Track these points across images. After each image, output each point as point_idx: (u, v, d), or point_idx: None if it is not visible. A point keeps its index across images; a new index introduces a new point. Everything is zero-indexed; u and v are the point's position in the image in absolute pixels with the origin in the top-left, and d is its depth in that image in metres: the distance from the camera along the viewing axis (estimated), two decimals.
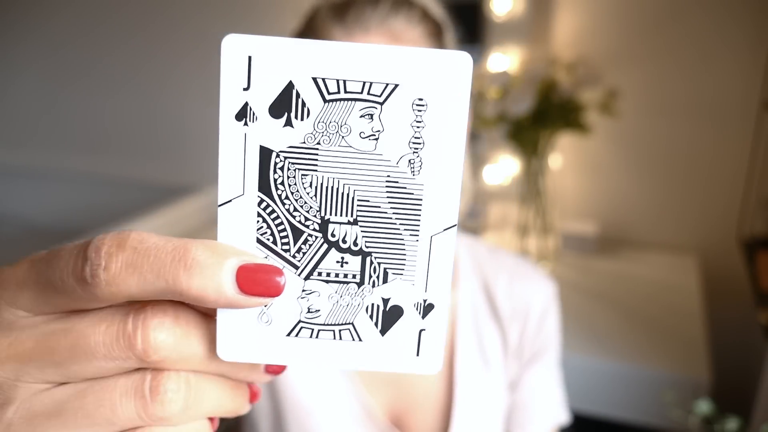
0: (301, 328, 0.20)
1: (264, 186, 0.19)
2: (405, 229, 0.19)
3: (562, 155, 1.48)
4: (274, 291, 0.18)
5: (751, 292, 1.19)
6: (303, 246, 0.19)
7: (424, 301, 0.19)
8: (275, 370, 0.21)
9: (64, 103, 2.06)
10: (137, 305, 0.18)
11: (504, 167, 1.51)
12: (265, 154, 0.18)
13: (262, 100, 0.18)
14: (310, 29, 0.53)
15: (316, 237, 0.19)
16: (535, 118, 1.23)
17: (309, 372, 0.59)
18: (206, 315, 0.20)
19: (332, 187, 0.19)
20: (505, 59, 1.42)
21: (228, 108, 0.18)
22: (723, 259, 1.41)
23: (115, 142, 2.02)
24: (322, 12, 0.52)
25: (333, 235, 0.19)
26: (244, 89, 0.18)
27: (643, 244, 1.49)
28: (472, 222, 1.49)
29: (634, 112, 1.39)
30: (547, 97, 1.22)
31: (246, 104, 0.18)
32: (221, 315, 0.19)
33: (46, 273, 0.18)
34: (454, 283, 0.62)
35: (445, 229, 0.19)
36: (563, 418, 0.65)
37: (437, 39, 0.52)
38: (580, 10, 1.39)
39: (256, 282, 0.18)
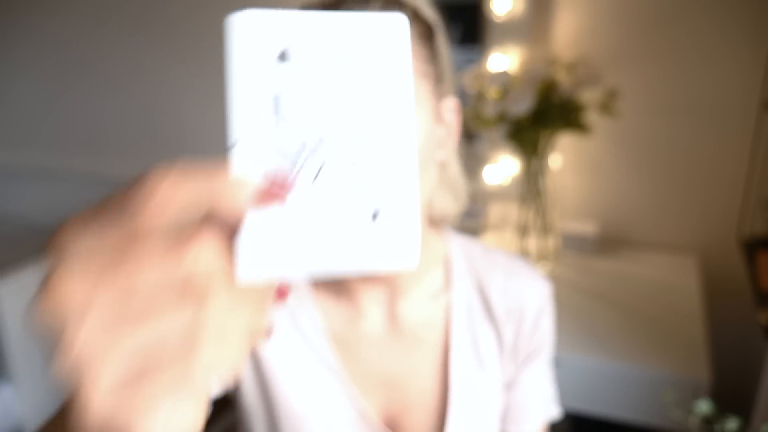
0: (301, 230, 0.24)
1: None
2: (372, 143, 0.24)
3: (562, 155, 1.49)
4: (281, 200, 0.24)
5: (751, 292, 1.19)
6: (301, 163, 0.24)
7: (397, 202, 0.24)
8: (282, 292, 0.26)
9: (64, 103, 2.06)
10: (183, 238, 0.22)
11: (504, 167, 1.51)
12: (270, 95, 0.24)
13: (263, 55, 0.24)
14: None
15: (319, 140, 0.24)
16: (535, 118, 1.23)
17: (302, 378, 0.59)
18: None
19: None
20: (505, 59, 1.42)
21: (240, 57, 0.23)
22: (723, 259, 1.41)
23: (115, 142, 2.02)
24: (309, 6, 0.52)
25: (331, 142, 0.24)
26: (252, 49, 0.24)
27: (643, 244, 1.49)
28: (472, 222, 1.49)
29: (634, 112, 1.39)
30: (547, 97, 1.22)
31: (252, 59, 0.24)
32: (242, 237, 0.23)
33: (109, 209, 0.22)
34: (449, 283, 0.62)
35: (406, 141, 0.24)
36: (554, 412, 0.67)
37: (428, 40, 0.52)
38: (580, 10, 1.39)
39: (266, 195, 0.23)
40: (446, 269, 0.63)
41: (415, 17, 0.52)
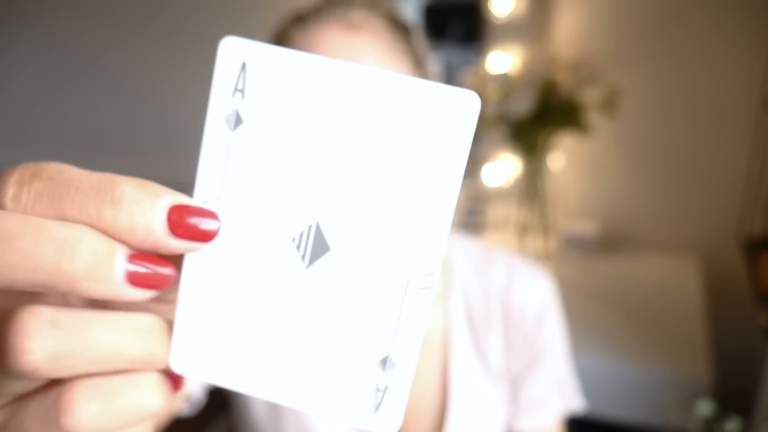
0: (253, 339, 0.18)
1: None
2: (380, 270, 0.17)
3: (563, 155, 1.48)
4: (207, 236, 0.17)
5: (751, 293, 1.19)
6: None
7: (388, 355, 0.18)
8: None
9: (62, 101, 2.05)
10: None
11: (504, 167, 1.51)
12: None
13: (252, 107, 0.17)
14: (275, 35, 0.54)
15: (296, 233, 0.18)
16: (535, 118, 1.23)
17: None
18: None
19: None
20: (505, 59, 1.42)
21: (217, 110, 0.18)
22: (723, 259, 1.41)
23: (114, 141, 2.02)
24: (286, 20, 0.54)
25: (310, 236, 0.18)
26: (236, 93, 0.17)
27: (643, 244, 1.49)
28: (472, 222, 1.48)
29: (634, 112, 1.39)
30: (547, 97, 1.22)
31: (236, 110, 0.18)
32: (179, 325, 0.18)
33: None
34: (450, 286, 0.62)
35: (424, 276, 0.17)
36: (574, 403, 0.64)
37: (403, 34, 0.52)
38: (580, 10, 1.39)
39: (188, 224, 0.16)
40: (446, 271, 0.62)
41: (387, 13, 0.52)
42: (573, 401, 0.64)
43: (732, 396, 1.17)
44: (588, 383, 1.07)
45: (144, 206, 0.16)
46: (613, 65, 1.38)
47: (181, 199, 0.16)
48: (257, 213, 0.18)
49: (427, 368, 0.60)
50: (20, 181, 0.16)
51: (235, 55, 0.17)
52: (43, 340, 0.14)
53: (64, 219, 0.15)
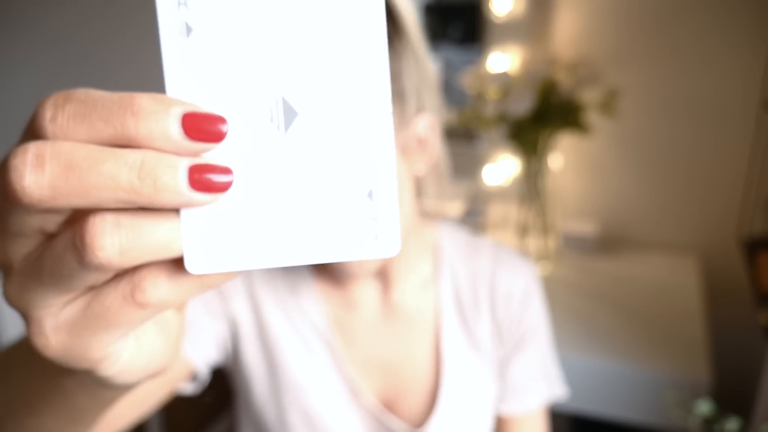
0: (256, 213, 0.20)
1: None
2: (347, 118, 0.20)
3: (562, 155, 1.48)
4: (218, 137, 0.19)
5: (751, 293, 1.19)
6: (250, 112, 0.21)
7: (372, 187, 0.20)
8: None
9: None
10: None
11: (504, 167, 1.51)
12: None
13: (197, 14, 0.19)
14: None
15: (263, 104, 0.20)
16: (535, 118, 1.23)
17: (301, 349, 0.61)
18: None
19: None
20: (505, 59, 1.42)
21: (166, 26, 0.19)
22: (723, 259, 1.41)
23: None
24: None
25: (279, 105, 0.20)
26: (180, 6, 0.19)
27: (643, 244, 1.49)
28: (472, 222, 1.49)
29: (634, 113, 1.39)
30: (547, 97, 1.22)
31: (184, 21, 0.19)
32: (185, 221, 0.20)
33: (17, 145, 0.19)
34: (438, 271, 0.64)
35: (380, 110, 0.20)
36: (559, 391, 0.67)
37: (392, 39, 0.54)
38: (580, 10, 1.39)
39: (201, 128, 0.18)
40: (435, 257, 0.65)
41: (389, 8, 0.53)
42: (557, 388, 0.67)
43: (731, 396, 1.17)
44: (587, 383, 1.07)
45: (160, 115, 0.18)
46: (612, 65, 1.38)
47: (191, 107, 0.19)
48: (229, 104, 0.20)
49: (420, 347, 0.63)
50: (55, 104, 0.18)
51: None
52: (112, 238, 0.18)
53: (95, 132, 0.18)
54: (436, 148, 0.57)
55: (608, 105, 1.27)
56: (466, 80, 1.31)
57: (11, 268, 0.20)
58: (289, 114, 0.20)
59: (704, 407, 0.71)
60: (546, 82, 1.22)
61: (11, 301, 0.20)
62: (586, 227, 1.45)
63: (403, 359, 0.62)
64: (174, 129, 0.18)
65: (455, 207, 1.46)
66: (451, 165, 0.65)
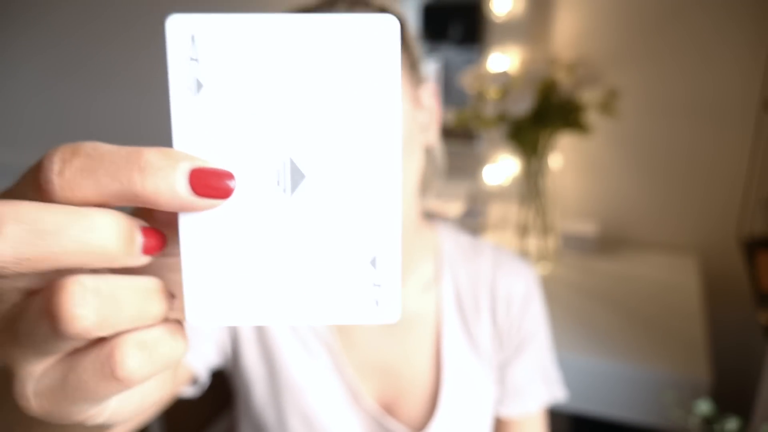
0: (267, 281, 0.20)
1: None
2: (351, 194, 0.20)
3: (562, 155, 1.48)
4: (225, 193, 0.19)
5: (751, 293, 1.19)
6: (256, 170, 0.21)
7: (375, 255, 0.20)
8: (152, 247, 0.20)
9: (64, 102, 2.06)
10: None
11: (504, 167, 1.51)
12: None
13: (208, 71, 0.19)
14: None
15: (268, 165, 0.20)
16: (535, 118, 1.23)
17: (301, 351, 0.61)
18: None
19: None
20: (505, 59, 1.42)
21: (177, 81, 0.20)
22: (723, 259, 1.41)
23: (115, 141, 2.02)
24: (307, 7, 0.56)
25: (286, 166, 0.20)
26: (191, 62, 0.19)
27: (643, 244, 1.49)
28: (472, 222, 1.49)
29: (634, 113, 1.39)
30: (547, 97, 1.22)
31: (195, 77, 0.19)
32: (187, 279, 0.20)
33: (10, 194, 0.19)
34: (439, 274, 0.65)
35: (387, 179, 0.20)
36: (558, 393, 0.67)
37: (402, 37, 0.56)
38: (580, 10, 1.39)
39: (208, 184, 0.19)
40: (437, 260, 0.65)
41: (383, 11, 0.55)
42: (556, 391, 0.67)
43: (731, 395, 1.17)
44: (587, 383, 1.07)
45: (167, 171, 0.18)
46: (612, 65, 1.38)
47: (199, 162, 0.19)
48: (236, 163, 0.20)
49: (420, 350, 0.63)
50: (63, 158, 0.18)
51: (183, 28, 0.20)
52: (88, 308, 0.17)
53: (101, 187, 0.18)
54: (439, 112, 0.60)
55: (608, 105, 1.27)
56: (466, 80, 1.31)
57: None
58: (297, 176, 0.20)
59: (704, 407, 0.71)
60: (546, 82, 1.23)
61: None
62: (585, 227, 1.45)
63: (403, 362, 0.62)
64: (181, 185, 0.18)
65: (455, 207, 1.46)
66: (451, 165, 0.66)
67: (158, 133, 1.95)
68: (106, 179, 0.18)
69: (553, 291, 1.24)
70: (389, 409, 0.62)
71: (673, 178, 1.43)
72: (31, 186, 0.18)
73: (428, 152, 0.62)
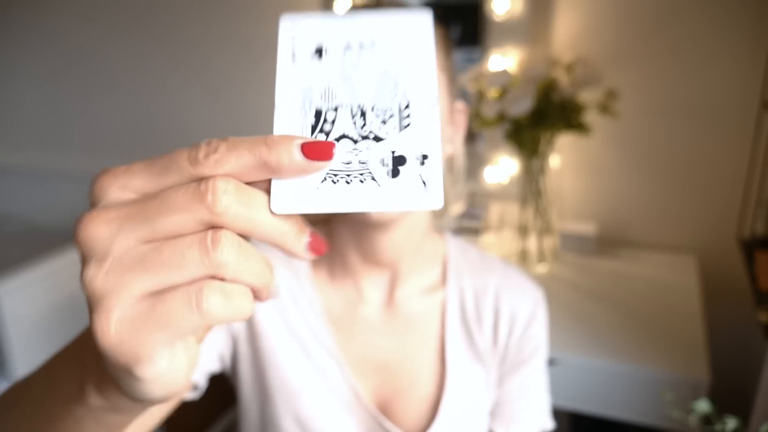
0: (330, 178, 0.25)
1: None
2: (401, 108, 0.27)
3: (561, 155, 1.49)
4: (329, 156, 0.25)
5: (750, 292, 1.19)
6: (333, 122, 0.27)
7: (421, 153, 0.26)
8: (315, 247, 0.26)
9: (65, 102, 2.06)
10: (209, 176, 0.23)
11: (504, 167, 1.51)
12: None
13: (303, 50, 0.28)
14: None
15: (342, 117, 0.27)
16: (535, 118, 1.23)
17: (298, 354, 0.61)
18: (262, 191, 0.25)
19: (350, 91, 0.27)
20: (504, 59, 1.42)
21: (284, 53, 0.28)
22: (722, 259, 1.41)
23: (116, 142, 2.02)
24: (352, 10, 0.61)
25: (353, 115, 0.27)
26: (293, 41, 0.28)
27: (642, 244, 1.50)
28: (473, 222, 1.49)
29: (633, 113, 1.40)
30: (547, 98, 1.23)
31: (293, 52, 0.28)
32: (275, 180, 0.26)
33: (161, 162, 0.24)
34: (445, 280, 0.65)
35: (429, 105, 0.27)
36: (548, 425, 0.67)
37: (447, 50, 0.63)
38: (580, 10, 1.40)
39: (316, 152, 0.24)
40: (444, 267, 0.66)
41: (436, 24, 0.59)
42: (547, 421, 0.67)
43: (730, 395, 1.17)
44: (587, 383, 1.07)
45: (287, 145, 0.24)
46: (612, 65, 1.38)
47: (308, 138, 0.25)
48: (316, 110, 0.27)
49: (421, 353, 0.63)
50: (216, 142, 0.24)
51: (290, 21, 0.28)
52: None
53: (242, 159, 0.24)
54: (465, 128, 0.65)
55: (607, 105, 1.27)
56: (466, 80, 1.31)
57: (107, 256, 0.23)
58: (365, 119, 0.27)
59: (703, 407, 0.71)
60: (546, 82, 1.23)
61: (92, 286, 0.23)
62: (585, 227, 1.46)
63: (403, 361, 0.62)
64: (296, 153, 0.24)
65: (455, 207, 1.46)
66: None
67: (159, 134, 1.95)
68: (244, 152, 0.23)
69: (552, 291, 1.24)
70: (385, 408, 0.62)
71: (672, 178, 1.43)
72: (189, 159, 0.24)
73: (449, 162, 0.65)
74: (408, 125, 0.26)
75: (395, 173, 0.26)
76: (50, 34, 2.00)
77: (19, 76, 2.10)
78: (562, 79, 1.25)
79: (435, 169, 0.26)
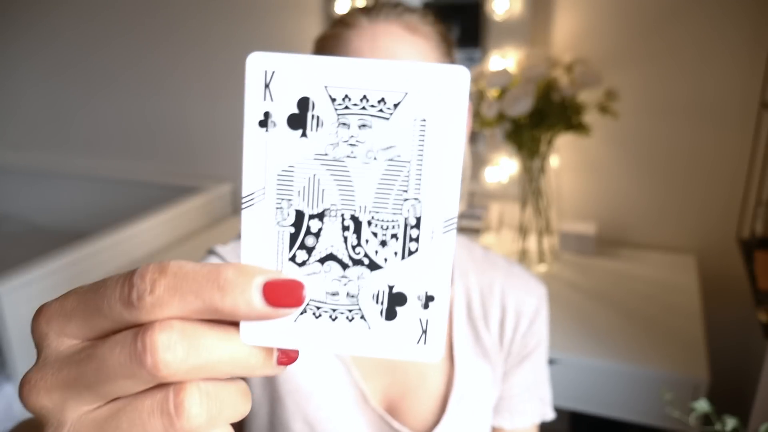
0: (311, 310, 0.21)
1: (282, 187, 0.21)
2: (409, 226, 0.21)
3: (561, 155, 1.49)
4: (297, 302, 0.20)
5: (750, 292, 1.19)
6: (317, 235, 0.21)
7: (426, 292, 0.21)
8: (286, 361, 0.22)
9: (65, 103, 2.06)
10: (146, 325, 0.20)
11: (504, 167, 1.51)
12: (284, 163, 0.20)
13: (280, 111, 0.20)
14: (341, 22, 0.59)
15: (329, 229, 0.21)
16: (534, 118, 1.23)
17: (307, 357, 0.61)
18: (214, 323, 0.21)
19: (343, 191, 0.21)
20: (504, 59, 1.42)
21: (251, 117, 0.20)
22: (722, 259, 1.41)
23: (116, 142, 2.02)
24: (352, 10, 0.60)
25: (345, 228, 0.21)
26: (264, 101, 0.20)
27: (642, 244, 1.50)
28: (473, 222, 1.49)
29: (633, 113, 1.40)
30: (547, 98, 1.23)
31: (267, 113, 0.20)
32: None
33: (94, 301, 0.20)
34: (452, 279, 0.66)
35: (444, 226, 0.21)
36: (549, 415, 0.68)
37: (447, 43, 0.62)
38: (580, 10, 1.40)
39: (281, 296, 0.20)
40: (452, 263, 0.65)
41: (436, 21, 0.62)
42: (548, 411, 0.68)
43: (730, 395, 1.17)
44: (587, 383, 1.07)
45: (243, 287, 0.20)
46: (611, 65, 1.38)
47: (272, 275, 0.20)
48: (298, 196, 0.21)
49: None
50: (152, 278, 0.19)
51: (261, 67, 0.20)
52: (204, 407, 0.20)
53: (186, 304, 0.20)
54: (470, 129, 0.64)
55: (607, 105, 1.27)
56: None
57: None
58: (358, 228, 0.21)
59: (702, 406, 0.71)
60: (545, 82, 1.23)
61: (36, 402, 0.21)
62: (585, 227, 1.46)
63: (410, 363, 0.62)
64: (257, 300, 0.20)
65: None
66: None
67: (159, 133, 1.95)
68: (191, 297, 0.19)
69: (552, 291, 1.24)
70: (394, 409, 0.62)
71: (672, 178, 1.43)
72: (121, 300, 0.20)
73: None
74: (415, 251, 0.21)
75: (390, 315, 0.21)
76: (50, 34, 2.00)
77: (19, 75, 2.10)
78: (562, 79, 1.25)
79: (440, 315, 0.21)
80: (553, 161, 1.46)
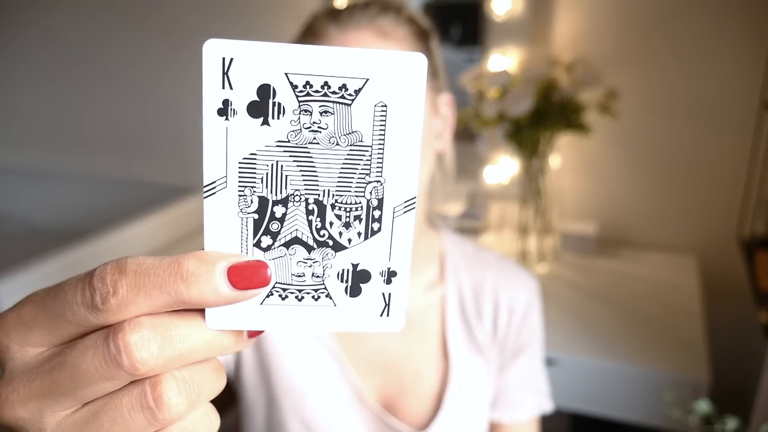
0: (277, 292, 0.22)
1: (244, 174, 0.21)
2: (371, 208, 0.21)
3: (561, 155, 1.49)
4: (263, 282, 0.20)
5: (750, 292, 1.19)
6: (281, 220, 0.21)
7: (388, 268, 0.22)
8: (256, 332, 0.22)
9: (64, 102, 2.06)
10: (116, 326, 0.19)
11: (504, 167, 1.51)
12: (245, 149, 0.21)
13: (240, 99, 0.20)
14: (309, 32, 0.57)
15: (293, 214, 0.21)
16: (534, 118, 1.23)
17: (302, 356, 0.61)
18: (182, 311, 0.21)
19: (306, 176, 0.21)
20: (504, 59, 1.42)
21: (210, 105, 0.20)
22: (723, 259, 1.41)
23: (115, 141, 2.02)
24: (320, 16, 0.57)
25: (310, 212, 0.21)
26: (223, 89, 0.20)
27: (642, 244, 1.49)
28: (473, 222, 1.49)
29: (633, 112, 1.39)
30: (547, 98, 1.22)
31: (227, 101, 0.20)
32: None
33: (54, 308, 0.20)
34: (443, 276, 0.66)
35: (405, 205, 0.21)
36: (547, 406, 0.69)
37: (423, 40, 0.59)
38: (580, 10, 1.40)
39: (246, 278, 0.20)
40: (441, 263, 0.67)
41: (410, 19, 0.58)
42: (545, 402, 0.69)
43: (730, 395, 1.17)
44: (587, 383, 1.07)
45: (208, 276, 0.19)
46: (612, 65, 1.38)
47: (233, 258, 0.20)
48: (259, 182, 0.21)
49: (423, 349, 0.64)
50: (112, 279, 0.19)
51: (218, 54, 0.20)
52: (183, 395, 0.20)
53: (153, 300, 0.19)
54: (454, 122, 0.63)
55: (607, 105, 1.27)
56: (466, 80, 1.31)
57: (14, 378, 0.20)
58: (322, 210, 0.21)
59: (703, 406, 0.71)
60: (546, 82, 1.23)
61: (11, 414, 0.20)
62: (585, 227, 1.45)
63: (406, 359, 0.63)
64: (222, 286, 0.20)
65: (455, 207, 1.46)
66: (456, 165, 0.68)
67: (158, 133, 1.95)
68: (155, 292, 0.19)
69: (552, 291, 1.24)
70: (390, 406, 0.62)
71: (672, 178, 1.43)
72: (84, 305, 0.19)
73: (439, 158, 0.64)
74: (378, 231, 0.21)
75: (355, 291, 0.22)
76: (49, 34, 2.00)
77: (18, 75, 2.10)
78: (562, 79, 1.25)
79: (401, 289, 0.22)
80: (554, 161, 1.46)
